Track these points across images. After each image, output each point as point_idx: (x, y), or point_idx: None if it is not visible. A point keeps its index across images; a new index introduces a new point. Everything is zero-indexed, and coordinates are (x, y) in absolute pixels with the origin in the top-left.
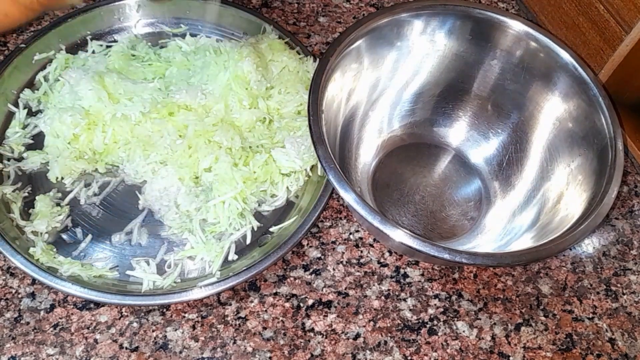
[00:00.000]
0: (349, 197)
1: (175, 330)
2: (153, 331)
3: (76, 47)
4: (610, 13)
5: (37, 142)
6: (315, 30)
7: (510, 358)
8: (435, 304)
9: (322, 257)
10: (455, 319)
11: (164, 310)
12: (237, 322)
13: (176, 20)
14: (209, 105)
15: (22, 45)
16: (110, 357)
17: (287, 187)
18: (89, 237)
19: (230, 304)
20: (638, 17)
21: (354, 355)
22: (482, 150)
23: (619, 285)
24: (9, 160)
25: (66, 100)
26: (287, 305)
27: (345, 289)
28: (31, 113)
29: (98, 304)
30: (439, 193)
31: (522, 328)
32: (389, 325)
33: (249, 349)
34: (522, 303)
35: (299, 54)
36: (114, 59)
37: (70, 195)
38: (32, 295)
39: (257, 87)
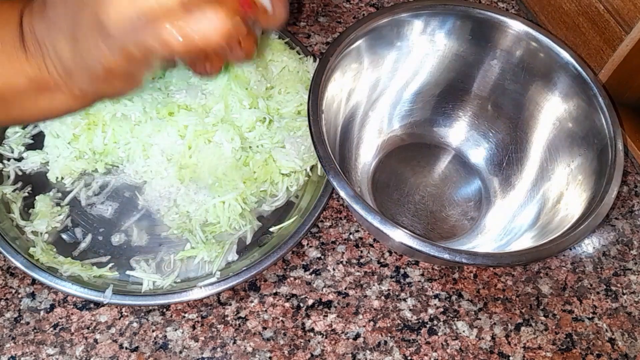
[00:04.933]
0: (349, 197)
1: (175, 330)
2: (153, 331)
3: None
4: (610, 13)
5: (37, 142)
6: (315, 30)
7: (510, 358)
8: (435, 304)
9: (322, 257)
10: (455, 319)
11: (164, 310)
12: (237, 322)
13: None
14: (209, 105)
15: None
16: (110, 357)
17: (287, 187)
18: (89, 237)
19: (230, 304)
20: (638, 17)
21: (354, 355)
22: (482, 150)
23: (619, 285)
24: (9, 160)
25: None
26: (287, 305)
27: (345, 289)
28: None
29: (98, 304)
30: (439, 193)
31: (522, 328)
32: (389, 325)
33: (249, 349)
34: (522, 303)
35: (299, 54)
36: None
37: (70, 195)
38: (32, 295)
39: (257, 87)
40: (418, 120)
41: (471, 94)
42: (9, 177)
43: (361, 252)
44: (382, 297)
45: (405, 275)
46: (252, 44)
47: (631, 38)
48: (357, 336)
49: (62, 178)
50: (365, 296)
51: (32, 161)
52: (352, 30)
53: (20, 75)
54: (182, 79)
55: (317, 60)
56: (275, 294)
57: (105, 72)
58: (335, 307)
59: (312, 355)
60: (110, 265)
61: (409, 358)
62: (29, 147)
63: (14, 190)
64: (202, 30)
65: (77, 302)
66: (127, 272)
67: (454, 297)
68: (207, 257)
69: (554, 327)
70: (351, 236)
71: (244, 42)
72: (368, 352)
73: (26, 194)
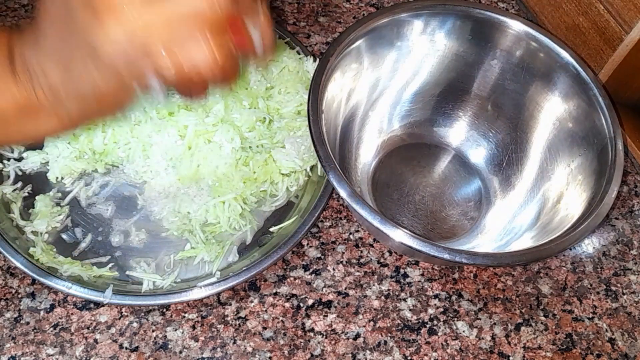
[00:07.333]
0: (349, 197)
1: (175, 330)
2: (153, 331)
3: None
4: (610, 13)
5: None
6: (315, 30)
7: (510, 358)
8: (435, 304)
9: (322, 257)
10: (455, 319)
11: (164, 310)
12: (237, 322)
13: None
14: (209, 105)
15: None
16: (110, 357)
17: (287, 187)
18: (89, 237)
19: (230, 304)
20: (638, 17)
21: (354, 355)
22: (482, 150)
23: (619, 285)
24: (9, 160)
25: None
26: (287, 305)
27: (345, 289)
28: None
29: (98, 304)
30: (439, 193)
31: (522, 328)
32: (389, 325)
33: (249, 349)
34: (522, 303)
35: (299, 54)
36: None
37: (70, 195)
38: (32, 295)
39: (257, 87)
40: (418, 120)
41: (471, 94)
42: (9, 177)
43: (361, 252)
44: (382, 297)
45: (405, 275)
46: (236, 72)
47: (631, 38)
48: (357, 336)
49: (62, 178)
50: (365, 296)
51: (32, 161)
52: (352, 30)
53: (9, 100)
54: None
55: (317, 60)
56: (275, 294)
57: (95, 97)
58: (335, 307)
59: (312, 355)
60: (110, 265)
61: (409, 358)
62: (29, 147)
63: (14, 190)
64: (194, 60)
65: (77, 302)
66: (127, 272)
67: (454, 297)
68: (207, 258)
69: (554, 327)
70: (351, 236)
71: (229, 70)
72: (368, 352)
73: (26, 194)
